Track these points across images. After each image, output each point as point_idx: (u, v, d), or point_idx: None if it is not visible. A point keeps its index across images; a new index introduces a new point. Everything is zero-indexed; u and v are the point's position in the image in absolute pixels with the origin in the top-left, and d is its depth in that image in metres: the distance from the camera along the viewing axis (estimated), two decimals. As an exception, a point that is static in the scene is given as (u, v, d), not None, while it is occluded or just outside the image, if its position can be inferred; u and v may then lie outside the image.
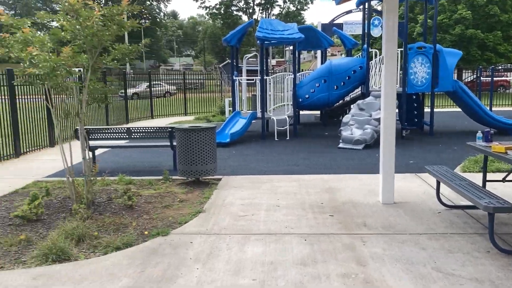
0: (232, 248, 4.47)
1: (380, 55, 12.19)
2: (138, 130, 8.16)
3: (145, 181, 7.44)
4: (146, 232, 4.99)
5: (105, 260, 4.27)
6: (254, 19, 35.62)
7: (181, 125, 7.31)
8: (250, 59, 15.89)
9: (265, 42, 12.01)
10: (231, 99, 13.25)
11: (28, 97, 10.62)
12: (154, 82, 30.86)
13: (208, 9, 34.29)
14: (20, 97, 10.29)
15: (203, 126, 7.14)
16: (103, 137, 8.23)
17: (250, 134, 12.91)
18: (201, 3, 33.79)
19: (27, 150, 10.53)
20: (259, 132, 13.12)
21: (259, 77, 12.18)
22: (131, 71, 49.13)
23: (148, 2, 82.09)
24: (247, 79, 13.42)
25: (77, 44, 5.50)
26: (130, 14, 6.91)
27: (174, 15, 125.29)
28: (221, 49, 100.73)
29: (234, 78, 12.58)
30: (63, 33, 5.73)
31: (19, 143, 10.01)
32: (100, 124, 14.72)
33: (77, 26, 5.30)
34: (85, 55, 5.67)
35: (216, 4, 34.18)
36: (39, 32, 5.46)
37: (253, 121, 12.24)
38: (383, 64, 5.79)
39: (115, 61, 6.13)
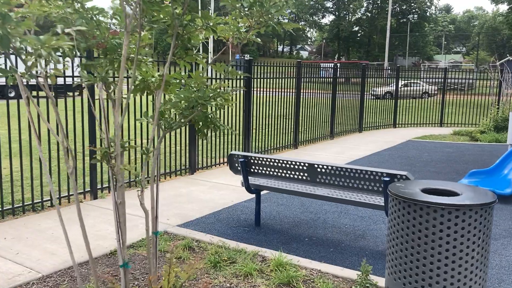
0: None
1: None
2: (327, 171, 4.32)
3: (319, 283, 3.61)
4: None
5: None
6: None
7: (407, 187, 3.10)
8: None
9: None
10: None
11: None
12: (411, 81, 26.31)
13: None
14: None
15: (462, 203, 2.79)
16: (271, 172, 4.74)
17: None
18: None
19: (208, 165, 8.02)
20: None
21: None
22: (389, 67, 45.00)
23: (418, -5, 75.88)
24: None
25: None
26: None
27: (447, 9, 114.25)
28: (499, 46, 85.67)
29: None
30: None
31: (195, 156, 7.52)
32: (320, 132, 11.44)
33: None
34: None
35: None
36: None
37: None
38: None
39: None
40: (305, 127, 10.92)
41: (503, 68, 13.83)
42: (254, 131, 9.40)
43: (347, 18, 78.23)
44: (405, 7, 77.48)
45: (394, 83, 15.56)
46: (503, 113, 12.14)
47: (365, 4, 78.47)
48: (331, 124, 11.82)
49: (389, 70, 17.32)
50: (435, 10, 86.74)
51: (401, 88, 25.94)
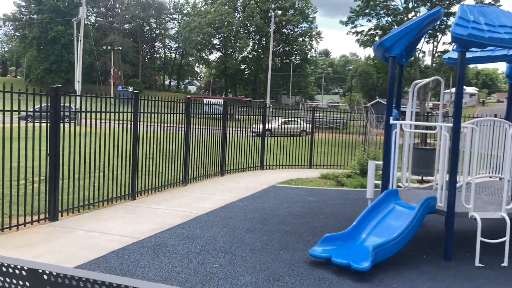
0: None
1: None
2: (58, 282, 2.43)
3: None
4: None
5: None
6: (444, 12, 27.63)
7: None
8: (419, 88, 9.47)
9: (472, 48, 5.57)
10: (380, 162, 6.91)
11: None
12: (290, 119, 26.01)
13: (359, 34, 27.97)
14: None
15: None
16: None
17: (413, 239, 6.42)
18: (352, 27, 27.42)
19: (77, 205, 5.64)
20: (434, 231, 6.58)
21: (444, 122, 5.72)
22: (271, 105, 45.05)
23: (300, 39, 79.81)
24: (417, 125, 7.01)
25: None
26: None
27: (326, 53, 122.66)
28: (370, 88, 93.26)
29: (392, 122, 6.29)
30: None
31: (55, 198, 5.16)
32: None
33: None
34: None
35: (370, 29, 27.74)
36: None
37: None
38: None
39: None
40: (151, 171, 9.03)
41: (368, 109, 13.51)
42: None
43: (233, 56, 79.27)
44: (288, 48, 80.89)
45: (282, 121, 14.55)
46: (368, 155, 11.51)
47: (251, 44, 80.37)
48: (185, 167, 10.07)
49: (271, 107, 16.32)
50: (315, 53, 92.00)
51: (280, 126, 25.68)
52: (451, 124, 5.55)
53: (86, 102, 7.28)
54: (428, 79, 7.38)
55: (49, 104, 6.40)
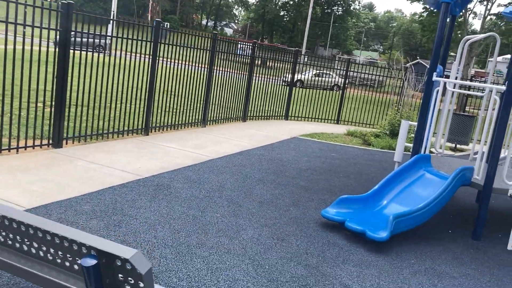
0: None
1: None
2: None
3: None
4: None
5: None
6: None
7: None
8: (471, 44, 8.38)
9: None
10: (414, 123, 6.19)
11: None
12: (323, 72, 24.98)
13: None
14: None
15: None
16: None
17: (440, 211, 5.81)
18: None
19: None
20: (464, 205, 5.97)
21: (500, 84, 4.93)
22: (305, 55, 43.32)
23: (344, -12, 75.96)
24: (462, 86, 6.17)
25: None
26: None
27: (370, 7, 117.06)
28: (412, 48, 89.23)
29: (435, 78, 5.51)
30: None
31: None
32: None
33: None
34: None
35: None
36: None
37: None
38: None
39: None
40: (168, 108, 8.59)
41: (408, 67, 12.52)
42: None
43: (274, 1, 76.51)
44: (332, -1, 77.31)
45: (315, 73, 13.78)
46: (401, 116, 10.71)
47: (292, -11, 77.12)
48: (205, 108, 9.56)
49: (301, 54, 15.28)
50: (359, 5, 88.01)
51: (312, 78, 24.62)
52: (504, 87, 4.77)
53: (103, 26, 6.72)
54: (482, 35, 6.46)
55: (58, 22, 5.88)
